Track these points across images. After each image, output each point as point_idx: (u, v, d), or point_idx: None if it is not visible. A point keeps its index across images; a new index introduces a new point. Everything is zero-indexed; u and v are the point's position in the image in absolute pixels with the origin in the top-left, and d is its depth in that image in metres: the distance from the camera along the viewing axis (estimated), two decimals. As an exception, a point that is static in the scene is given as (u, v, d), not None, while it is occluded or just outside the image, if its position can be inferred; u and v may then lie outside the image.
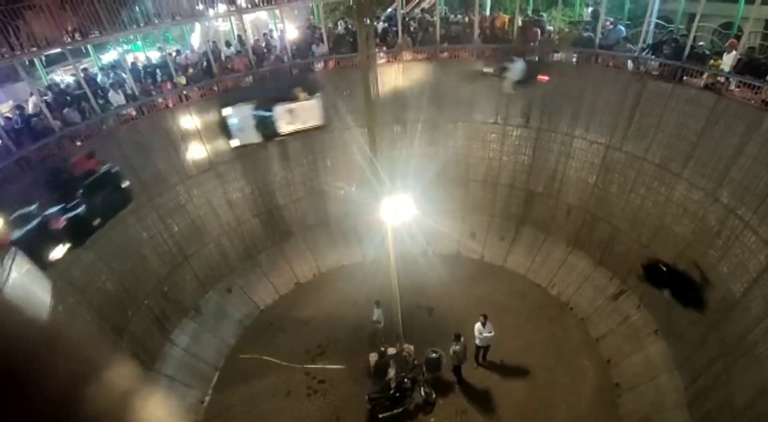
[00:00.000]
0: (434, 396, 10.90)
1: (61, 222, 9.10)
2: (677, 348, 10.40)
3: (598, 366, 11.47)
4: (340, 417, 10.83)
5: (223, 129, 13.34)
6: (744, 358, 8.53)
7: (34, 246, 8.52)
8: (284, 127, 13.56)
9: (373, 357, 11.39)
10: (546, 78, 12.85)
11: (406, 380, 10.75)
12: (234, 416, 11.09)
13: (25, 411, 0.46)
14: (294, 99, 13.35)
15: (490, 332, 10.73)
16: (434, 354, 10.99)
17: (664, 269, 10.76)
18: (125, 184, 10.72)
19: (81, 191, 9.62)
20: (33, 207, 8.80)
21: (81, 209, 9.53)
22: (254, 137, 13.48)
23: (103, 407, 0.53)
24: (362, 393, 10.80)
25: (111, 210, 10.47)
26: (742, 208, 9.55)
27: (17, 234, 8.33)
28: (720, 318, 9.48)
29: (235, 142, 13.51)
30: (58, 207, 9.16)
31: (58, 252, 9.12)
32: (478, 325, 10.84)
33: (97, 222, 10.07)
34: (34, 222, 8.70)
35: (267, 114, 13.27)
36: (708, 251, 10.18)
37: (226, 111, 13.09)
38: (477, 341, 11.01)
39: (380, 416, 10.47)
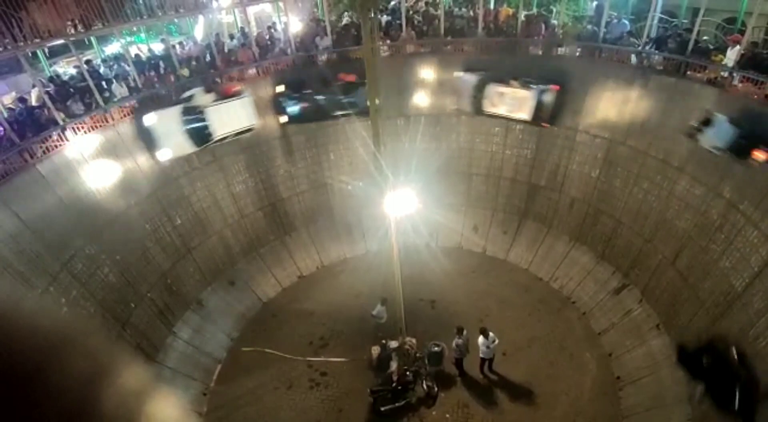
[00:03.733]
0: (436, 389, 10.94)
1: (310, 103, 13.61)
2: (679, 342, 10.43)
3: (599, 359, 11.52)
4: (342, 409, 10.89)
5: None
6: (746, 353, 8.55)
7: (287, 112, 13.71)
8: (489, 108, 13.43)
9: (376, 350, 11.43)
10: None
11: (408, 373, 10.80)
12: (236, 408, 11.15)
13: (40, 411, 0.46)
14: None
15: (494, 342, 10.46)
16: (436, 348, 11.02)
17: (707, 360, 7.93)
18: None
19: (334, 90, 13.45)
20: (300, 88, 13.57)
21: (333, 98, 13.46)
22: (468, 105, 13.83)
23: (114, 403, 0.54)
24: (364, 385, 10.86)
25: (348, 111, 13.63)
26: (744, 203, 9.57)
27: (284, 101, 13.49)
28: (722, 313, 9.52)
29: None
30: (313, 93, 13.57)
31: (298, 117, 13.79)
32: (480, 339, 10.48)
33: (335, 113, 13.76)
34: (298, 97, 13.59)
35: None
36: (710, 245, 10.21)
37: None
38: (482, 354, 10.72)
39: (382, 409, 10.53)
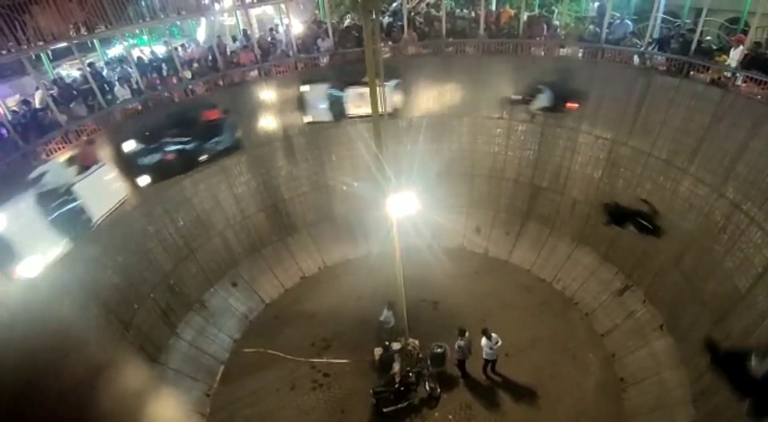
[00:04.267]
0: (439, 390, 10.94)
1: (173, 152, 11.24)
2: (683, 343, 10.39)
3: (602, 360, 11.49)
4: (344, 410, 10.89)
5: (299, 104, 13.96)
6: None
7: (145, 167, 10.89)
8: (353, 109, 13.71)
9: (378, 351, 11.45)
10: (576, 105, 12.68)
11: (410, 374, 10.78)
12: (239, 409, 11.16)
13: (40, 412, 0.47)
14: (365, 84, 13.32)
15: (496, 343, 10.44)
16: (439, 349, 11.03)
17: (617, 207, 11.69)
18: (238, 134, 12.62)
19: (197, 131, 11.66)
20: (164, 138, 11.18)
21: (194, 145, 11.64)
22: (326, 116, 13.91)
23: (115, 406, 0.55)
24: (367, 387, 10.84)
25: (219, 151, 12.27)
26: (747, 204, 9.52)
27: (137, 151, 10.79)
28: (725, 314, 9.47)
29: (308, 118, 14.22)
30: (174, 140, 11.27)
31: (160, 174, 11.36)
32: (483, 340, 10.49)
33: (203, 158, 12.00)
34: (155, 147, 11.04)
35: (339, 94, 13.56)
36: (713, 246, 10.16)
37: (304, 88, 13.75)
38: (485, 355, 10.71)
39: (385, 410, 10.52)
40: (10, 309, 7.39)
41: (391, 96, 13.15)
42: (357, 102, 13.49)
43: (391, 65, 13.68)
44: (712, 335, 8.93)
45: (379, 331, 11.96)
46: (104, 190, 10.31)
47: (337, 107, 13.74)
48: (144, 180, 11.13)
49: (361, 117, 13.70)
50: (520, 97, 13.38)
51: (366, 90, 12.59)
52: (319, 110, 13.87)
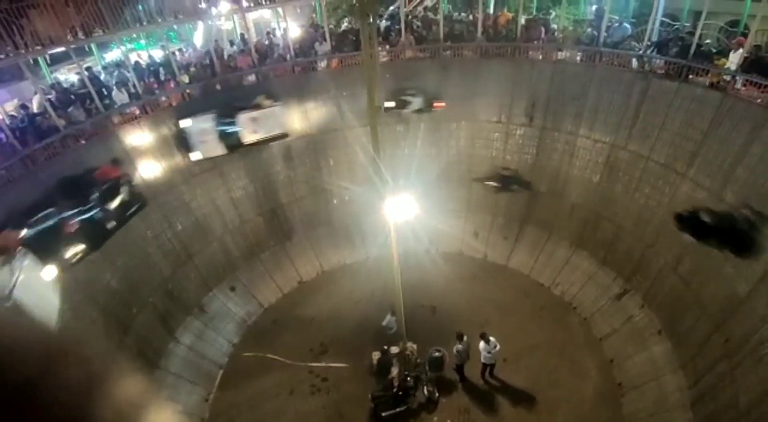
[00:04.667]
0: (437, 394, 10.93)
1: (74, 225, 9.16)
2: (681, 348, 10.36)
3: (601, 365, 11.46)
4: (343, 415, 10.88)
5: (181, 143, 12.27)
6: (749, 358, 8.49)
7: (48, 249, 8.58)
8: (249, 136, 12.62)
9: (376, 355, 11.42)
10: (442, 104, 13.62)
11: (409, 378, 10.77)
12: (238, 413, 11.16)
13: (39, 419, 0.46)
14: (257, 107, 12.60)
15: (495, 347, 10.42)
16: (437, 353, 11.01)
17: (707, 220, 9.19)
18: (138, 190, 10.95)
19: (96, 196, 9.64)
20: (49, 210, 8.97)
21: (95, 213, 9.55)
22: (218, 149, 12.44)
23: (112, 412, 0.53)
24: (365, 391, 10.82)
25: (126, 214, 10.50)
26: (747, 208, 9.47)
27: (31, 236, 8.43)
28: (725, 318, 9.43)
29: (196, 156, 12.49)
30: (73, 211, 9.20)
31: (72, 254, 9.13)
32: (482, 345, 10.46)
33: (111, 225, 10.10)
34: (49, 225, 8.79)
35: (230, 123, 12.27)
36: (712, 251, 10.10)
37: (185, 122, 12.07)
38: (483, 359, 10.68)
39: (383, 414, 10.51)
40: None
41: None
42: (252, 127, 12.53)
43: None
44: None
45: (381, 335, 11.91)
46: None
47: (229, 138, 12.43)
48: (50, 273, 8.54)
49: (257, 143, 12.81)
50: (393, 105, 13.36)
51: (258, 113, 12.26)
52: (208, 145, 12.33)
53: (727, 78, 10.39)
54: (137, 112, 12.21)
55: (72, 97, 11.81)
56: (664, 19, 13.40)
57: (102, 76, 12.97)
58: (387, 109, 12.92)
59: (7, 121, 10.49)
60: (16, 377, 0.45)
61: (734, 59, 10.33)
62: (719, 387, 8.94)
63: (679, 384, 9.98)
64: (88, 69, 12.60)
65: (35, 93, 11.92)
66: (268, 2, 14.85)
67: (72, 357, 0.53)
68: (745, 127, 9.60)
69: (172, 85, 12.90)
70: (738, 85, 10.23)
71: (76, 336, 0.57)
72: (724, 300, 9.56)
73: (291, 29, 15.23)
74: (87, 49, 13.99)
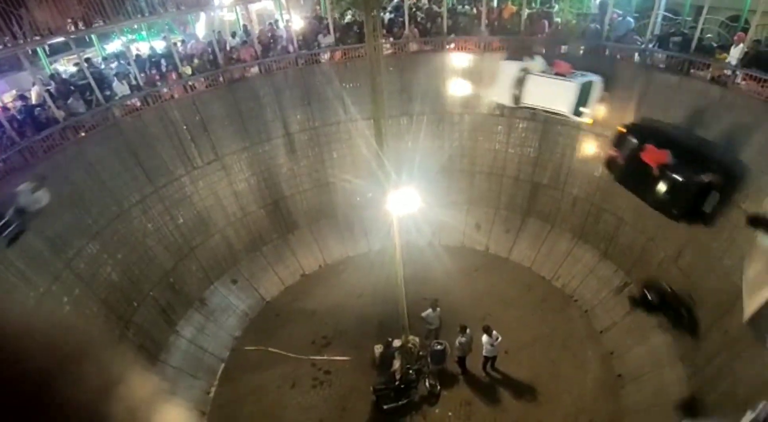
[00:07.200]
0: (439, 387, 10.99)
1: None
2: (681, 340, 10.44)
3: (601, 357, 11.56)
4: (345, 407, 10.92)
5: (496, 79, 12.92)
6: (748, 350, 8.58)
7: None
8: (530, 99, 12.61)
9: (379, 348, 11.47)
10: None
11: (411, 371, 10.84)
12: (240, 407, 11.17)
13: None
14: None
15: (497, 340, 10.46)
16: (439, 346, 11.05)
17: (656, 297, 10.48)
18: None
19: None
20: None
21: None
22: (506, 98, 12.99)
23: (124, 410, 0.54)
24: (367, 384, 10.87)
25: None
26: (746, 202, 9.56)
27: None
28: (724, 311, 9.52)
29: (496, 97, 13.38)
30: None
31: None
32: (484, 337, 10.49)
33: None
34: None
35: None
36: (712, 244, 10.20)
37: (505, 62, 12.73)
38: (486, 352, 10.73)
39: (385, 407, 10.56)
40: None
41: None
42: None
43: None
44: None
45: (382, 328, 11.93)
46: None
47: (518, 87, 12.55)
48: None
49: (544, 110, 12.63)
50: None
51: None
52: (505, 91, 12.81)
53: (728, 72, 10.43)
54: (138, 103, 12.11)
55: (72, 88, 11.68)
56: (666, 13, 13.44)
57: (102, 67, 12.84)
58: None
59: (5, 113, 10.33)
60: (33, 373, 0.46)
61: (735, 54, 10.36)
62: (718, 378, 9.05)
63: (679, 375, 10.08)
64: (88, 60, 12.48)
65: (34, 84, 11.78)
66: (270, -7, 14.76)
67: (88, 355, 0.54)
68: (745, 121, 9.65)
69: (174, 76, 12.78)
70: (738, 80, 10.27)
71: (89, 336, 0.58)
72: (724, 293, 9.64)
73: (294, 21, 15.13)
74: (87, 39, 13.86)
